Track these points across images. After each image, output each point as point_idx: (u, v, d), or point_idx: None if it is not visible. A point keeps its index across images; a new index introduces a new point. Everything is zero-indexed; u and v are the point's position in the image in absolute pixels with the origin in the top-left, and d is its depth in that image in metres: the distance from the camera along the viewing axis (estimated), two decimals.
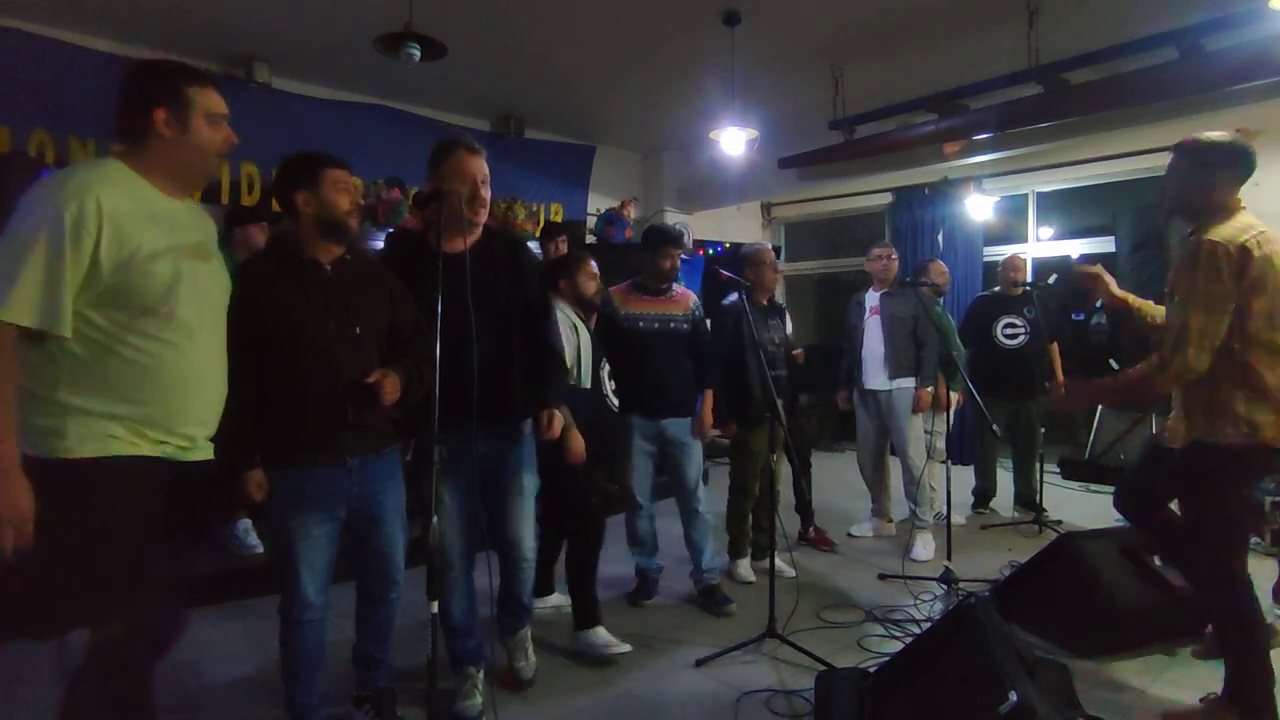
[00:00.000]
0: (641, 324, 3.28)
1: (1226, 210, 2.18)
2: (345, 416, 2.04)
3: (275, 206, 2.35)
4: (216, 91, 1.71)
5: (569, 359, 2.85)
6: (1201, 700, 2.35)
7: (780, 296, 4.51)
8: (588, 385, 2.96)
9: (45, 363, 1.53)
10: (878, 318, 4.16)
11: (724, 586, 3.41)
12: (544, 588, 3.24)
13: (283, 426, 2.01)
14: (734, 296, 3.51)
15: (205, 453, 1.74)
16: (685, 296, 3.43)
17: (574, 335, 2.94)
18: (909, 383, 4.07)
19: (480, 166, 2.30)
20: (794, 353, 3.89)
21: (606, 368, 3.11)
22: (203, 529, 1.84)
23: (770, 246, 3.91)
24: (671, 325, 3.33)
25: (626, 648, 2.82)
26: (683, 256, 5.63)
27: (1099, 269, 2.58)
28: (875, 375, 4.14)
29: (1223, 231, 2.11)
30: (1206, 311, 2.07)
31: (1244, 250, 2.06)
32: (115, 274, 1.53)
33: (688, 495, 3.41)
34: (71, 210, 1.48)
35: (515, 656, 2.61)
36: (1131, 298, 2.56)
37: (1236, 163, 2.19)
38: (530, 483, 2.49)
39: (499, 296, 2.32)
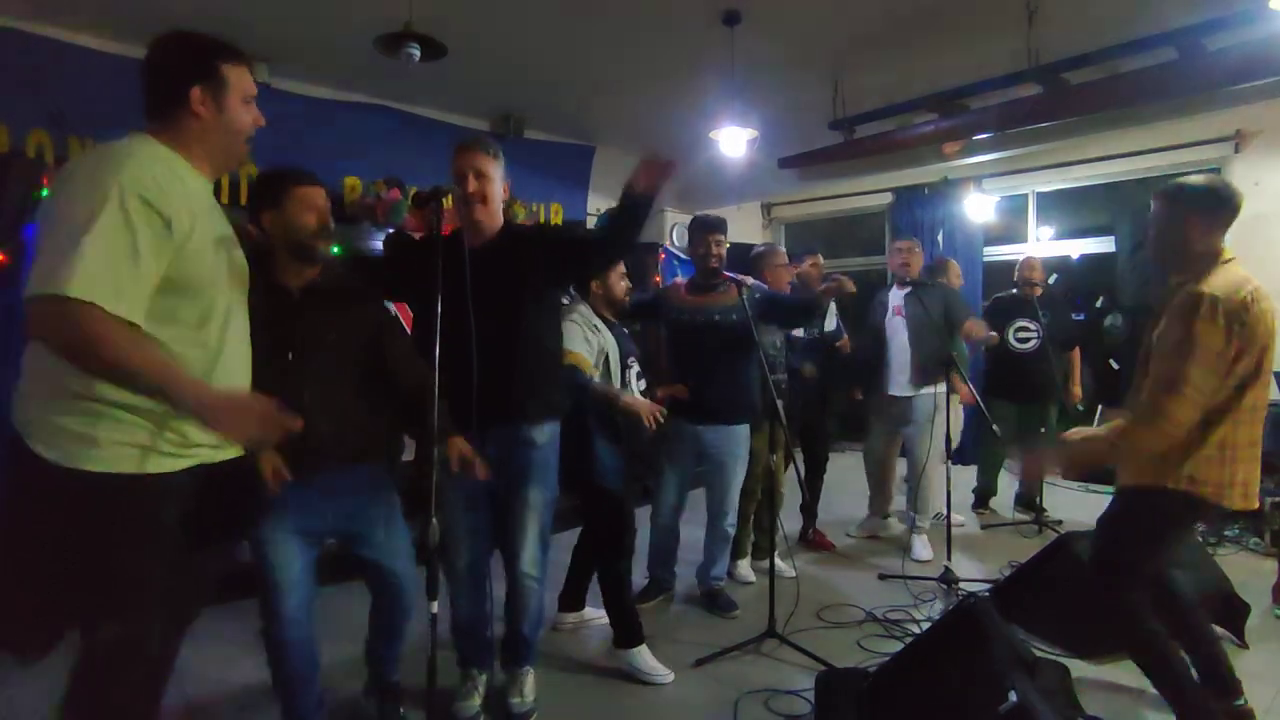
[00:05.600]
0: (685, 318, 3.18)
1: (1215, 259, 2.10)
2: (306, 440, 1.93)
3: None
4: (249, 71, 1.63)
5: (592, 360, 2.80)
6: None
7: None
8: (620, 385, 2.90)
9: None
10: (901, 318, 4.08)
11: (726, 588, 3.40)
12: (575, 602, 3.16)
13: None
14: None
15: (238, 449, 1.65)
16: (733, 291, 3.18)
17: (595, 336, 2.86)
18: (928, 390, 3.99)
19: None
20: (838, 344, 3.85)
21: (635, 368, 3.02)
22: (237, 528, 1.75)
23: (781, 249, 3.86)
24: (716, 318, 3.17)
25: (670, 676, 2.71)
26: (680, 256, 5.64)
27: None
28: (899, 380, 4.07)
29: (1219, 284, 2.02)
30: (1203, 365, 1.97)
31: (1243, 306, 2.00)
32: (172, 262, 1.43)
33: (718, 509, 3.32)
34: (136, 190, 1.37)
35: (510, 689, 2.48)
36: None
37: (1211, 204, 2.12)
38: (538, 496, 2.38)
39: (505, 294, 2.25)
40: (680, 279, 3.45)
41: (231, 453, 1.62)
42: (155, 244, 1.40)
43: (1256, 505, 2.15)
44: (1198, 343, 1.97)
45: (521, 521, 2.38)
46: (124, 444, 1.41)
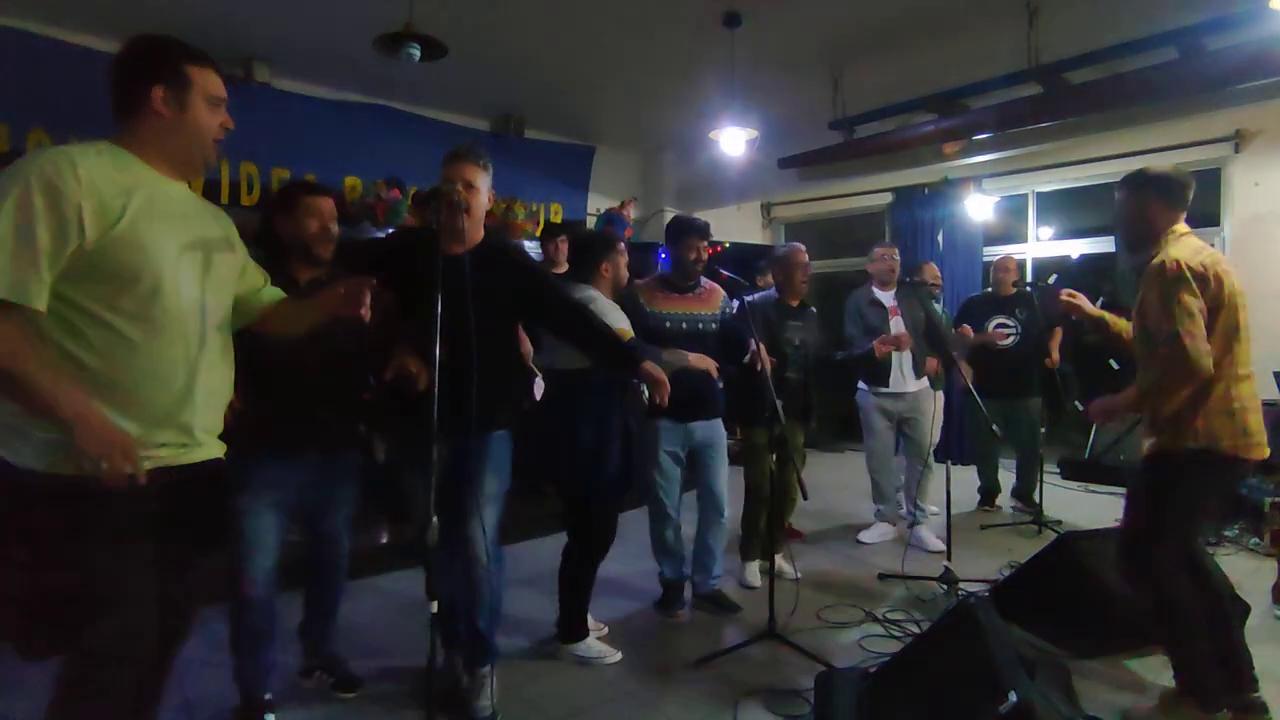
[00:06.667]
0: (669, 324, 3.13)
1: (1173, 234, 2.32)
2: (306, 419, 2.17)
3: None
4: (216, 74, 1.63)
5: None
6: (1161, 697, 2.40)
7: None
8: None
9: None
10: (899, 318, 4.13)
11: (729, 590, 3.39)
12: (574, 631, 2.87)
13: (251, 420, 2.10)
14: (760, 295, 3.50)
15: (210, 451, 1.64)
16: (714, 293, 3.28)
17: (624, 321, 2.83)
18: (923, 383, 4.16)
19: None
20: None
21: None
22: (215, 532, 1.74)
23: (803, 247, 3.81)
24: (700, 326, 3.18)
25: (619, 655, 2.81)
26: None
27: (1072, 295, 2.61)
28: (906, 377, 4.14)
29: (1179, 252, 2.25)
30: (1191, 316, 2.16)
31: (1203, 266, 2.22)
32: (99, 245, 1.42)
33: (713, 501, 3.30)
34: (46, 177, 1.38)
35: (471, 692, 2.41)
36: (1108, 316, 2.61)
37: (1168, 192, 2.35)
38: (493, 486, 2.38)
39: (477, 307, 2.24)
40: (647, 278, 3.35)
41: (198, 455, 1.60)
42: (57, 228, 1.38)
43: (1267, 453, 2.29)
44: (1176, 299, 2.18)
45: (473, 511, 2.34)
46: (63, 444, 1.40)
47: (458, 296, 2.08)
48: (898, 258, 4.25)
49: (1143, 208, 2.37)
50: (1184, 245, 2.28)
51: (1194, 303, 2.17)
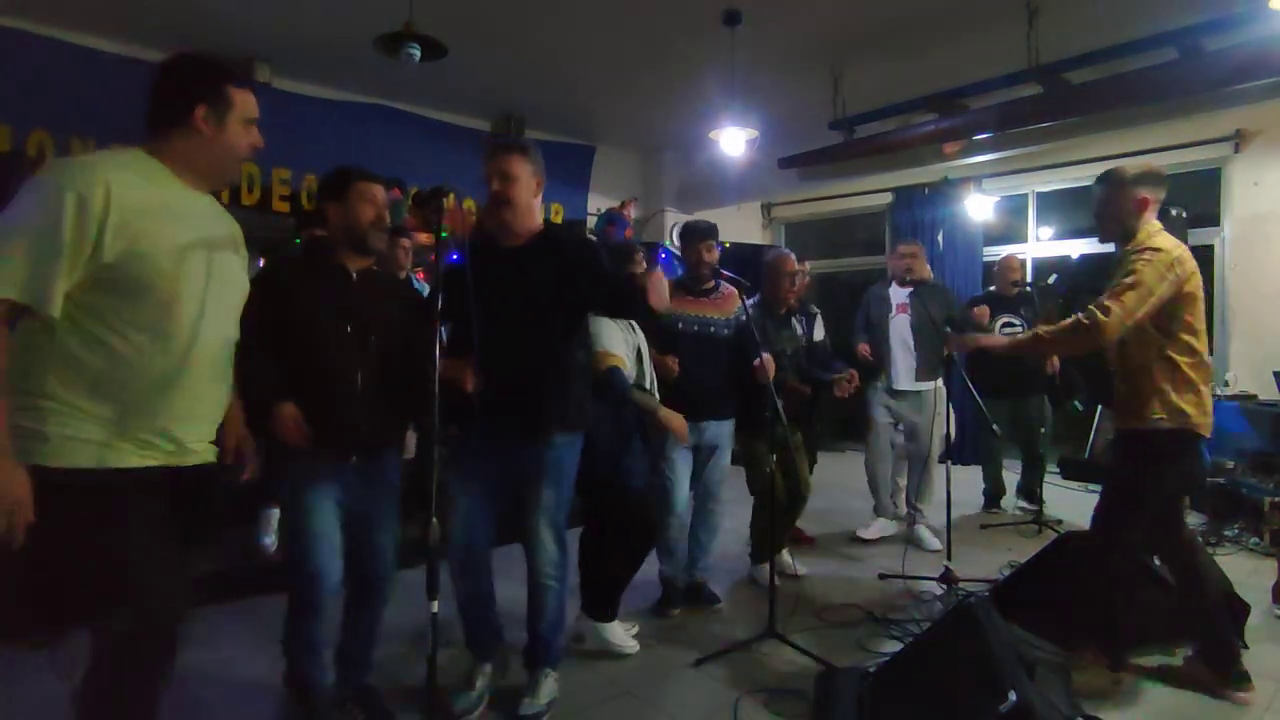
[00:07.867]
0: (680, 325, 3.14)
1: (1154, 227, 2.45)
2: (353, 418, 2.10)
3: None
4: (253, 95, 1.70)
5: (629, 359, 2.76)
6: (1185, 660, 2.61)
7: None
8: (647, 385, 2.90)
9: (33, 352, 1.47)
10: (905, 315, 4.13)
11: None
12: (599, 607, 2.84)
13: (301, 420, 2.05)
14: (752, 301, 3.51)
15: (205, 456, 1.69)
16: (730, 297, 3.26)
17: (633, 334, 2.85)
18: (931, 384, 4.12)
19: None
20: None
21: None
22: (203, 533, 1.78)
23: (792, 254, 3.79)
24: (712, 330, 3.20)
25: (636, 647, 2.84)
26: (680, 255, 5.61)
27: (972, 340, 2.98)
28: (904, 375, 4.13)
29: (1160, 240, 2.39)
30: (1138, 295, 2.30)
31: (1178, 259, 2.35)
32: (118, 260, 1.46)
33: (710, 496, 3.35)
34: (76, 189, 1.43)
35: (525, 689, 2.41)
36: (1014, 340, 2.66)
37: (1155, 183, 2.50)
38: (550, 496, 2.33)
39: (529, 299, 2.22)
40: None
41: (194, 459, 1.64)
42: (78, 241, 1.43)
43: (1210, 433, 2.47)
44: (1137, 276, 2.31)
45: (534, 523, 2.34)
46: (75, 439, 1.47)
47: (502, 292, 2.06)
48: (920, 256, 4.24)
49: (1131, 200, 2.47)
50: (1165, 237, 2.41)
51: (1148, 286, 2.29)
